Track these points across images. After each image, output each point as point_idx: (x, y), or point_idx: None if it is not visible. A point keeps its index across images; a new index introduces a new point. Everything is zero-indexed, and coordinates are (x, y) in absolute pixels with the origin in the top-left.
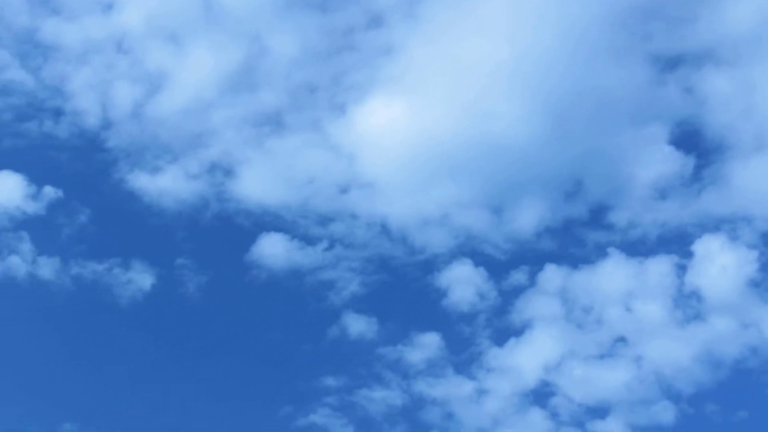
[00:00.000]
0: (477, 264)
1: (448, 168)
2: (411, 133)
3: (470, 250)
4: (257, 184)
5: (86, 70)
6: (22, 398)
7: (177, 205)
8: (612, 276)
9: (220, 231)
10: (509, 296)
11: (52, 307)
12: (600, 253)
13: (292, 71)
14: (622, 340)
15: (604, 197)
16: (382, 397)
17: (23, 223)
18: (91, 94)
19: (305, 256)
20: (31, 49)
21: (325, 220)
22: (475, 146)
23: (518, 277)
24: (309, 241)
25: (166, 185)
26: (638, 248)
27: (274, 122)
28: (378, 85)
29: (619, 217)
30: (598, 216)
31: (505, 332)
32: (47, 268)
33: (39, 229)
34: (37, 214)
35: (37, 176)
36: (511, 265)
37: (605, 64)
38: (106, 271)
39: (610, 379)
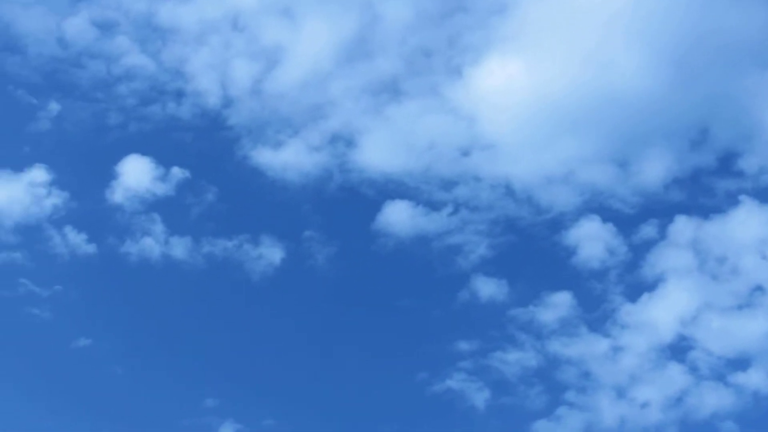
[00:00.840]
0: (605, 220)
1: (569, 124)
2: (530, 91)
3: (597, 206)
4: (378, 153)
5: (204, 51)
6: (165, 376)
7: (301, 178)
8: (745, 224)
9: (345, 201)
10: (640, 250)
11: (187, 285)
12: (731, 201)
13: (406, 37)
14: (759, 289)
15: (732, 143)
16: (516, 359)
17: (154, 205)
18: (210, 74)
19: (431, 222)
20: (150, 33)
21: (448, 184)
22: (596, 99)
23: (648, 230)
24: (434, 206)
25: (289, 159)
26: None
27: (391, 89)
28: (493, 44)
29: (749, 163)
30: (727, 163)
31: (638, 287)
32: (179, 247)
33: (169, 210)
34: (167, 195)
35: (163, 158)
36: (640, 218)
37: (725, 5)
38: (236, 248)
39: (749, 330)
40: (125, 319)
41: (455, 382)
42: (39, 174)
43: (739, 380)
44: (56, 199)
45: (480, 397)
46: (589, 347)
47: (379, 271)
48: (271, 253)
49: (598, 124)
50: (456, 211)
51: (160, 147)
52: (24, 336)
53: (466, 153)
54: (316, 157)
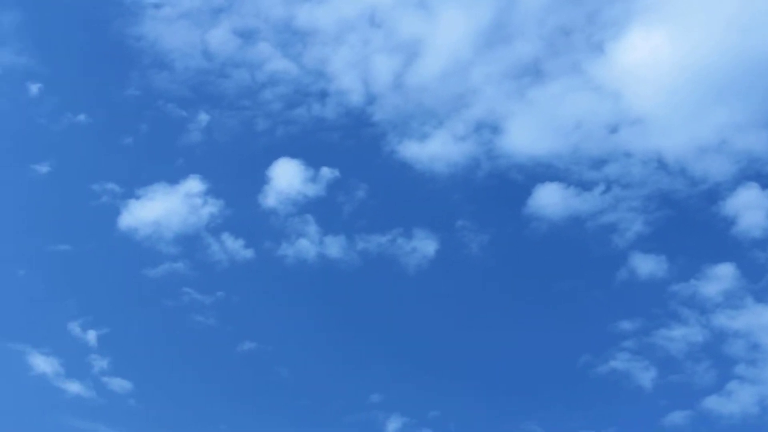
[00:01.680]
0: (764, 186)
1: (718, 90)
2: (675, 61)
3: (754, 173)
4: (525, 137)
5: (344, 50)
6: (330, 374)
7: (449, 169)
8: None
9: (495, 188)
10: None
11: (344, 283)
12: None
13: (544, 17)
14: None
15: None
16: (681, 335)
17: (306, 206)
18: (351, 72)
19: (583, 202)
20: (290, 37)
21: (598, 162)
22: (743, 63)
23: None
24: (585, 186)
25: (436, 150)
26: None
27: (532, 72)
28: (634, 17)
29: None
30: None
31: None
32: (334, 246)
33: (322, 210)
34: (318, 195)
35: (312, 159)
36: None
37: None
38: (389, 243)
39: None
40: (287, 321)
41: (619, 362)
42: (194, 184)
43: None
44: (212, 207)
45: (646, 376)
46: (756, 318)
47: (535, 256)
48: (425, 245)
49: (748, 89)
50: (608, 189)
51: (308, 148)
52: (191, 343)
53: (614, 130)
54: (463, 146)
